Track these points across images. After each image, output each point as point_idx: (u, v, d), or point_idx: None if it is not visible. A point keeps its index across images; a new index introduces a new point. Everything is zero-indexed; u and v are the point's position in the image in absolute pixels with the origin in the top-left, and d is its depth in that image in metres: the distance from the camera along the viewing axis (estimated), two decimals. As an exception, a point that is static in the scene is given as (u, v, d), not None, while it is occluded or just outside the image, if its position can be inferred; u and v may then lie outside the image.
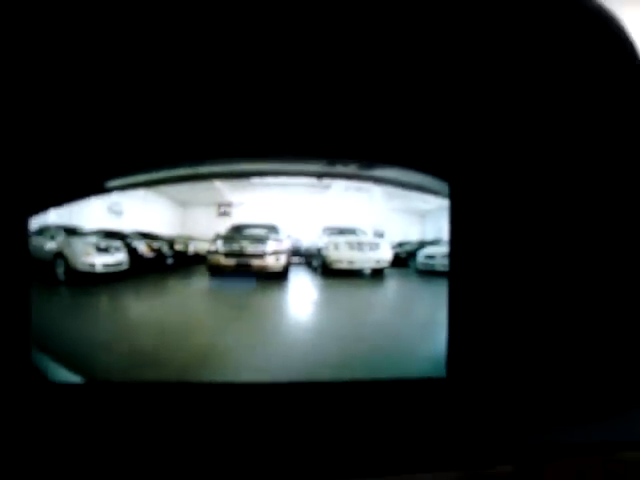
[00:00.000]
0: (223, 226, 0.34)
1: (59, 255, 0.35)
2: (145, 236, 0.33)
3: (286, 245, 0.34)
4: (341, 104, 0.32)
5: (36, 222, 0.35)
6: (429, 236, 0.36)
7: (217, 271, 0.34)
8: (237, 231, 0.34)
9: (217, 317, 0.38)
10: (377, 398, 0.33)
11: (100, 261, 0.35)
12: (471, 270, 0.35)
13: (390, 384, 0.35)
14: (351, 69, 0.31)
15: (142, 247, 0.34)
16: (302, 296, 0.35)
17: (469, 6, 0.27)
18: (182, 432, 0.32)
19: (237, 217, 0.34)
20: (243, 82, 0.32)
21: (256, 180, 0.35)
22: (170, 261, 0.34)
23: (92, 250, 0.35)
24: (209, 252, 0.34)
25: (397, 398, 0.33)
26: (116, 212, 0.36)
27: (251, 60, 0.31)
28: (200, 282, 0.34)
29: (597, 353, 0.30)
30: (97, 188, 0.35)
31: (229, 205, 0.33)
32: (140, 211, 0.35)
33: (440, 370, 0.36)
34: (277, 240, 0.34)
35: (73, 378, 0.36)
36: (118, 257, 0.34)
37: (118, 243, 0.34)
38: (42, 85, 0.30)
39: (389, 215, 0.35)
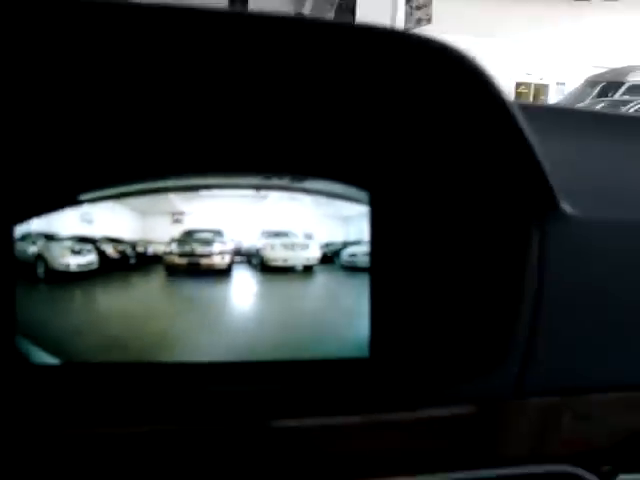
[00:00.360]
0: (176, 231, 0.40)
1: (39, 257, 0.41)
2: (112, 240, 0.39)
3: (229, 246, 0.41)
4: (270, 129, 0.40)
5: (20, 230, 0.41)
6: (352, 238, 0.43)
7: (172, 269, 0.40)
8: (188, 235, 0.41)
9: (172, 307, 0.44)
10: (308, 375, 0.40)
11: (74, 261, 0.41)
12: (387, 265, 0.42)
13: (320, 363, 0.42)
14: (276, 104, 0.39)
15: (109, 250, 0.40)
16: (244, 289, 0.41)
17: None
18: (143, 406, 0.38)
19: (188, 224, 0.40)
20: (190, 117, 0.39)
21: (203, 192, 0.42)
22: (133, 261, 0.40)
23: (67, 253, 0.41)
24: (165, 253, 0.40)
25: (326, 375, 0.41)
26: (87, 220, 0.42)
27: (199, 98, 0.38)
28: (158, 278, 0.40)
29: (476, 325, 0.38)
30: (71, 201, 0.42)
31: (181, 214, 0.39)
32: (107, 219, 0.41)
33: (364, 351, 0.43)
34: (222, 242, 0.40)
35: (52, 360, 0.42)
36: (89, 258, 0.40)
37: (89, 246, 0.40)
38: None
39: (318, 220, 0.42)
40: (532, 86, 14.67)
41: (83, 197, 0.42)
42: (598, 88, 11.61)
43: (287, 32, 0.31)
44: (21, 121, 0.39)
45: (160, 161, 0.42)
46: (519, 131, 0.36)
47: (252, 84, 0.38)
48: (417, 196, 0.43)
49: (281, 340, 0.43)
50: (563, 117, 0.58)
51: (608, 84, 11.52)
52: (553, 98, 13.81)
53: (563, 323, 0.38)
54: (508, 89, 14.93)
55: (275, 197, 0.43)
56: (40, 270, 0.42)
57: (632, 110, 9.05)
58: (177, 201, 0.42)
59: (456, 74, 0.33)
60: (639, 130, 0.58)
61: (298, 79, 0.37)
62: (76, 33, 0.31)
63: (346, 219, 0.45)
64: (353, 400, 0.39)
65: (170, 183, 0.42)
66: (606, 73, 11.58)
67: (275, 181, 0.44)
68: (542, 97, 14.85)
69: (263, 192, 0.43)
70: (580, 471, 0.33)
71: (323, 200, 0.44)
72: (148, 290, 0.42)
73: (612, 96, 11.18)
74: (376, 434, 0.37)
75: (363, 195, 0.44)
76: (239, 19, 0.31)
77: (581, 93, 11.98)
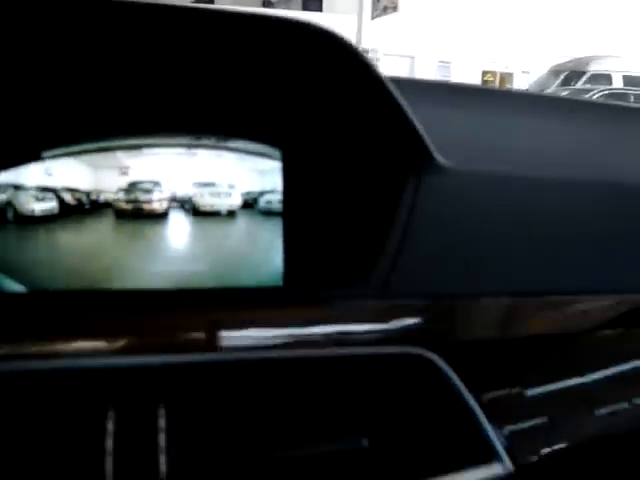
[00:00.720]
0: (123, 182, 0.49)
1: (9, 204, 0.50)
2: (70, 190, 0.48)
3: (167, 195, 0.50)
4: (199, 99, 0.50)
5: None
6: (267, 187, 0.53)
7: (120, 213, 0.50)
8: (133, 185, 0.50)
9: (119, 244, 0.53)
10: (231, 301, 0.50)
11: (38, 207, 0.50)
12: (295, 209, 0.53)
13: (242, 290, 0.52)
14: (199, 79, 0.49)
15: (68, 197, 0.49)
16: (178, 230, 0.50)
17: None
18: (94, 328, 0.47)
19: (132, 176, 0.49)
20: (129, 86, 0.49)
21: (145, 150, 0.51)
22: (87, 207, 0.49)
23: (32, 200, 0.50)
24: (113, 200, 0.49)
25: (247, 300, 0.51)
26: (49, 174, 0.51)
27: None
28: (108, 221, 0.50)
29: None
30: (35, 157, 0.52)
31: (127, 168, 0.48)
32: (66, 173, 0.50)
33: (278, 280, 0.53)
34: (160, 191, 0.50)
35: (19, 288, 0.51)
36: (51, 205, 0.49)
37: (51, 195, 0.49)
38: None
39: (239, 173, 0.51)
40: (498, 74, 14.90)
41: (45, 154, 0.52)
42: (562, 77, 11.85)
43: (196, 20, 0.41)
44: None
45: (109, 123, 0.52)
46: (390, 96, 0.46)
47: (180, 65, 0.48)
48: (318, 153, 0.54)
49: (209, 271, 0.54)
50: (446, 91, 0.69)
51: (571, 73, 11.76)
52: (518, 86, 14.04)
53: (424, 246, 0.49)
54: (475, 76, 15.13)
55: (204, 154, 0.53)
56: (10, 214, 0.51)
57: (594, 98, 9.31)
58: (123, 157, 0.52)
59: (328, 50, 0.43)
60: (502, 103, 0.70)
61: (213, 60, 0.48)
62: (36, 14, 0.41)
63: (262, 172, 0.55)
64: (269, 319, 0.49)
65: (117, 143, 0.52)
66: (569, 62, 11.83)
67: (204, 141, 0.54)
68: (507, 85, 15.09)
69: (194, 150, 0.53)
70: (424, 351, 0.44)
71: (244, 156, 0.54)
72: (100, 230, 0.52)
73: (574, 84, 11.43)
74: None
75: (276, 152, 0.54)
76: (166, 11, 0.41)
77: (546, 81, 12.22)
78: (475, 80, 14.81)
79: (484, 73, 15.14)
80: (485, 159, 0.56)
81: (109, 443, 0.35)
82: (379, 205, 0.51)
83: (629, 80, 11.10)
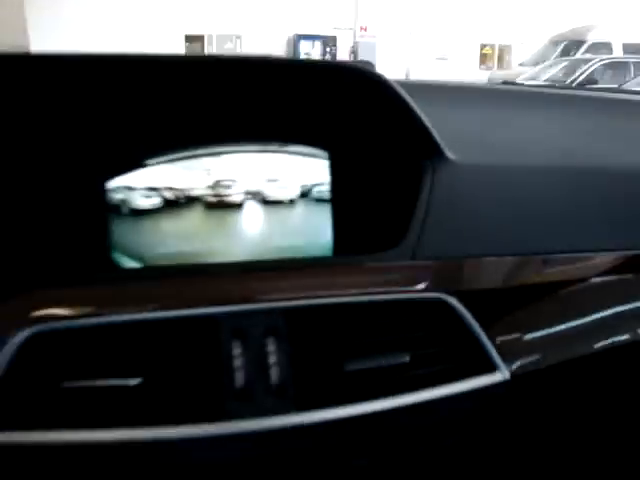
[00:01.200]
0: (209, 180, 0.66)
1: (124, 201, 0.67)
2: (169, 188, 0.65)
3: (242, 189, 0.67)
4: (266, 120, 0.66)
5: (111, 184, 0.67)
6: (319, 180, 0.69)
7: (207, 205, 0.65)
8: (217, 183, 0.66)
9: (208, 228, 0.69)
10: (295, 268, 0.66)
11: (145, 203, 0.66)
12: (340, 196, 0.69)
13: (303, 260, 0.69)
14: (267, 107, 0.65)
15: (168, 194, 0.65)
16: (252, 215, 0.66)
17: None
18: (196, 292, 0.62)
19: (216, 176, 0.65)
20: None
21: (225, 156, 0.68)
22: (183, 201, 0.65)
23: (141, 197, 0.66)
24: (202, 195, 0.66)
25: (306, 266, 0.67)
26: (153, 177, 0.67)
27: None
28: (199, 211, 0.65)
29: None
30: (142, 165, 0.68)
31: (211, 169, 0.65)
32: (166, 175, 0.65)
33: (329, 251, 0.70)
34: (237, 186, 0.66)
35: (135, 264, 0.68)
36: (155, 200, 0.66)
37: (155, 193, 0.66)
38: None
39: (298, 170, 0.68)
40: (496, 47, 14.87)
41: (150, 162, 0.69)
42: (561, 47, 11.85)
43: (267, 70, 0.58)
44: (115, 117, 0.65)
45: (198, 136, 0.68)
46: (410, 110, 0.63)
47: (257, 96, 0.65)
48: (355, 153, 0.70)
49: (276, 246, 0.71)
50: (453, 91, 0.85)
51: (570, 43, 11.75)
52: (517, 58, 14.02)
53: (444, 223, 0.66)
54: (474, 50, 15.12)
55: (270, 157, 0.70)
56: (124, 209, 0.68)
57: (594, 67, 9.35)
58: (208, 161, 0.69)
59: (360, 81, 0.60)
60: (505, 100, 0.86)
61: (286, 92, 0.65)
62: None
63: (314, 169, 0.71)
64: (324, 280, 0.65)
65: (203, 150, 0.69)
66: (568, 32, 11.82)
67: (270, 147, 0.70)
68: (506, 57, 15.06)
69: (262, 154, 0.70)
70: (444, 295, 0.61)
71: (300, 157, 0.71)
72: (192, 218, 0.69)
73: (574, 54, 11.44)
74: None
75: (324, 154, 0.71)
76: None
77: (545, 52, 12.22)
78: (474, 53, 14.78)
79: (482, 46, 15.11)
80: (486, 152, 0.73)
81: (237, 362, 0.53)
82: (404, 191, 0.68)
83: (629, 48, 11.11)
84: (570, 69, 9.61)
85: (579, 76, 9.14)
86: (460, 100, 0.80)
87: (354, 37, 14.45)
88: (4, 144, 0.61)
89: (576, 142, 0.80)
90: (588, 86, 8.49)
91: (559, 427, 0.67)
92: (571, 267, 0.69)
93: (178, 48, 13.47)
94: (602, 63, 9.47)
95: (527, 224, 0.68)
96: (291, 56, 13.85)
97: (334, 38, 14.54)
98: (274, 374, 0.53)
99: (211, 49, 14.08)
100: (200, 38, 14.01)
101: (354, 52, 14.66)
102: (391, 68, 12.20)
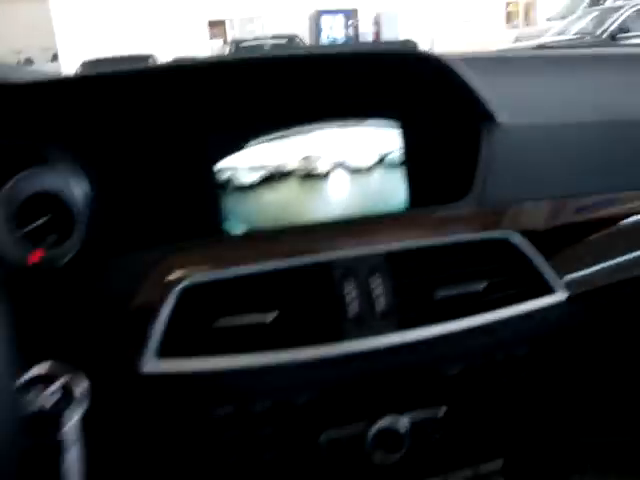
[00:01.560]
0: (301, 156, 0.80)
1: (231, 176, 0.82)
2: (270, 164, 0.80)
3: (330, 161, 0.81)
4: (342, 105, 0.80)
5: (220, 165, 0.82)
6: (393, 149, 0.83)
7: (302, 176, 0.81)
8: (307, 158, 0.80)
9: (304, 194, 0.83)
10: (378, 221, 0.80)
11: (251, 177, 0.82)
12: (410, 160, 0.83)
13: (383, 215, 0.82)
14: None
15: (270, 169, 0.81)
16: (339, 182, 0.81)
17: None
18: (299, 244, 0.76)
19: (307, 152, 0.80)
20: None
21: (314, 133, 0.82)
22: (282, 174, 0.80)
23: (247, 173, 0.82)
24: (297, 168, 0.80)
25: (388, 220, 0.81)
26: (257, 154, 0.82)
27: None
28: (295, 181, 0.80)
29: None
30: (246, 146, 0.83)
31: (303, 147, 0.80)
32: (267, 153, 0.81)
33: (405, 205, 0.84)
34: (325, 159, 0.81)
35: (242, 229, 0.83)
36: (259, 174, 0.81)
37: (259, 167, 0.81)
38: None
39: (376, 142, 0.82)
40: (521, 3, 14.56)
41: (249, 145, 0.83)
42: (590, -4, 11.55)
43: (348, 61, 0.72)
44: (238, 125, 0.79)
45: (288, 121, 0.83)
46: (464, 82, 0.76)
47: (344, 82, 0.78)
48: (423, 123, 0.84)
49: (360, 206, 0.85)
50: (504, 61, 0.97)
51: (599, -9, 11.45)
52: (543, 13, 13.72)
53: (502, 175, 0.79)
54: (499, 9, 14.84)
55: (351, 130, 0.84)
56: (234, 183, 0.83)
57: (626, 15, 9.11)
58: (301, 139, 0.83)
59: (420, 62, 0.73)
60: (552, 66, 0.97)
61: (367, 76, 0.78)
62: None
63: (388, 139, 0.85)
64: (404, 231, 0.79)
65: (297, 130, 0.83)
66: (595, -20, 11.52)
67: (351, 122, 0.84)
68: (532, 14, 14.75)
69: (345, 128, 0.84)
70: (512, 235, 0.74)
71: (376, 129, 0.85)
72: (291, 187, 0.83)
73: (603, 3, 11.14)
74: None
75: (396, 125, 0.85)
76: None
77: (573, 4, 11.93)
78: (499, 12, 14.50)
79: (507, 4, 14.82)
80: (531, 114, 0.85)
81: (350, 296, 0.67)
82: (464, 151, 0.81)
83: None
84: (600, 19, 9.38)
85: (610, 26, 8.93)
86: (508, 68, 0.92)
87: (375, 9, 14.34)
88: (146, 139, 0.76)
89: (611, 98, 0.92)
90: (620, 35, 8.31)
91: (612, 341, 0.80)
92: (613, 205, 0.81)
93: (201, 33, 13.62)
94: (635, 9, 9.21)
95: (573, 171, 0.81)
96: (313, 31, 13.86)
97: (356, 11, 14.46)
98: (380, 304, 0.67)
99: (233, 33, 14.19)
100: (222, 23, 14.14)
101: (377, 23, 14.56)
102: (415, 38, 12.12)
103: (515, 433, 0.73)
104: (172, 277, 0.66)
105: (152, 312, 0.65)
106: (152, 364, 0.64)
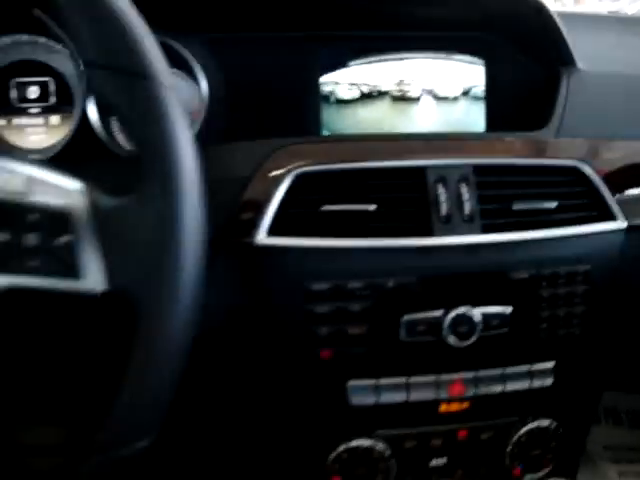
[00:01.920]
0: (394, 80, 0.88)
1: (332, 92, 0.90)
2: (365, 84, 0.88)
3: (419, 86, 0.89)
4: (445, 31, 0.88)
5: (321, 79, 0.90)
6: (475, 83, 0.91)
7: (393, 98, 0.90)
8: (400, 81, 0.89)
9: (394, 113, 0.92)
10: (458, 139, 0.88)
11: (349, 94, 0.90)
12: (492, 93, 0.92)
13: (464, 134, 0.91)
14: None
15: (364, 88, 0.88)
16: (427, 107, 0.89)
17: None
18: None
19: (398, 77, 0.88)
20: None
21: (407, 60, 0.91)
22: (375, 94, 0.89)
23: (345, 90, 0.90)
24: (389, 90, 0.89)
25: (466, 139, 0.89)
26: (353, 74, 0.90)
27: None
28: (387, 102, 0.89)
29: None
30: (345, 66, 0.91)
31: (397, 71, 0.88)
32: (362, 75, 0.89)
33: (483, 127, 0.93)
34: (416, 84, 0.89)
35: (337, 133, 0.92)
36: (355, 92, 0.90)
37: (355, 87, 0.89)
38: None
39: (460, 73, 0.90)
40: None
41: (352, 64, 0.92)
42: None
43: None
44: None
45: (388, 46, 0.91)
46: (555, 24, 0.84)
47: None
48: (505, 60, 0.92)
49: (445, 126, 0.93)
50: (586, 18, 1.06)
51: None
52: None
53: (578, 113, 0.87)
54: None
55: (440, 62, 0.92)
56: (332, 99, 0.91)
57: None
58: (394, 65, 0.91)
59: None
60: (628, 24, 1.06)
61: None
62: None
63: (473, 73, 0.93)
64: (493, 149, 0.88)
65: (391, 56, 0.91)
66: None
67: (441, 54, 0.93)
68: None
69: (436, 60, 0.92)
70: (582, 165, 0.83)
71: (462, 64, 0.93)
72: (383, 107, 0.92)
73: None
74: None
75: (481, 61, 0.93)
76: None
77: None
78: None
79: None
80: (609, 64, 0.94)
81: (441, 199, 0.76)
82: (545, 90, 0.90)
83: None
84: None
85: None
86: (589, 24, 1.01)
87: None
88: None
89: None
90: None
91: None
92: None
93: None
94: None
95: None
96: None
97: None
98: (466, 208, 0.76)
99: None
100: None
101: None
102: None
103: (567, 340, 0.83)
104: (287, 166, 0.75)
105: (268, 194, 0.73)
106: (264, 239, 0.73)
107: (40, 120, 0.87)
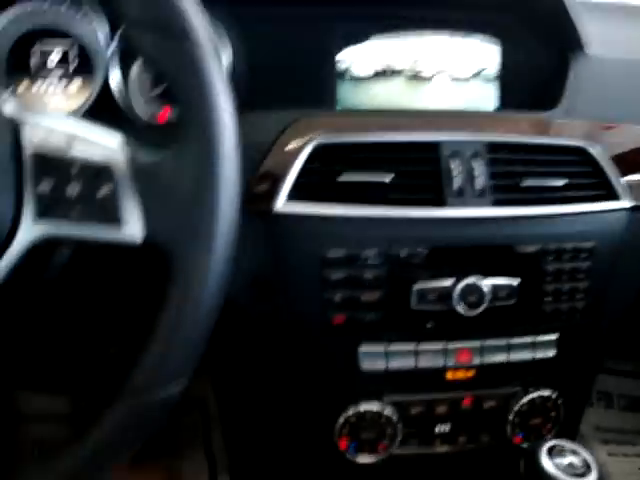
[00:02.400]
0: (411, 58, 0.91)
1: (347, 69, 0.93)
2: (381, 62, 0.90)
3: (433, 66, 0.91)
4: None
5: (340, 57, 0.93)
6: (490, 65, 0.94)
7: (408, 76, 0.92)
8: (417, 59, 0.91)
9: (408, 92, 0.95)
10: (470, 115, 0.91)
11: (364, 71, 0.92)
12: (505, 75, 0.94)
13: (475, 112, 0.94)
14: None
15: (381, 66, 0.91)
16: (439, 83, 0.92)
17: None
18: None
19: (415, 55, 0.91)
20: None
21: (422, 40, 0.93)
22: (390, 72, 0.91)
23: (360, 67, 0.92)
24: (404, 69, 0.91)
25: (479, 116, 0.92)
26: (371, 54, 0.92)
27: None
28: (402, 78, 0.91)
29: None
30: (366, 39, 0.93)
31: (412, 50, 0.90)
32: (379, 53, 0.91)
33: (495, 103, 0.95)
34: (431, 63, 0.91)
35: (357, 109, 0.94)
36: (372, 70, 0.92)
37: (371, 65, 0.92)
38: None
39: (473, 54, 0.93)
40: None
41: (367, 41, 0.94)
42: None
43: None
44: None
45: (404, 26, 0.93)
46: (565, 7, 0.87)
47: None
48: (518, 42, 0.95)
49: (456, 104, 0.96)
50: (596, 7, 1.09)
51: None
52: None
53: (588, 96, 0.90)
54: None
55: (454, 43, 0.95)
56: (347, 76, 0.94)
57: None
58: (410, 45, 0.93)
59: None
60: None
61: None
62: None
63: (487, 54, 0.96)
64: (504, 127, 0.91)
65: (406, 37, 0.94)
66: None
67: (456, 36, 0.95)
68: None
69: (449, 41, 0.94)
70: (589, 145, 0.86)
71: (476, 45, 0.96)
72: (397, 85, 0.94)
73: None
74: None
75: (496, 41, 0.96)
76: None
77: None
78: None
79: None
80: (618, 51, 0.97)
81: (454, 172, 0.79)
82: (556, 73, 0.93)
83: None
84: None
85: None
86: (599, 12, 1.04)
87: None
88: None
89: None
90: None
91: None
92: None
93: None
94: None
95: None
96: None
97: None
98: (478, 183, 0.79)
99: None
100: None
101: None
102: None
103: (571, 313, 0.86)
104: (306, 136, 0.77)
105: (287, 163, 0.76)
106: (283, 206, 0.75)
107: (60, 87, 0.89)
